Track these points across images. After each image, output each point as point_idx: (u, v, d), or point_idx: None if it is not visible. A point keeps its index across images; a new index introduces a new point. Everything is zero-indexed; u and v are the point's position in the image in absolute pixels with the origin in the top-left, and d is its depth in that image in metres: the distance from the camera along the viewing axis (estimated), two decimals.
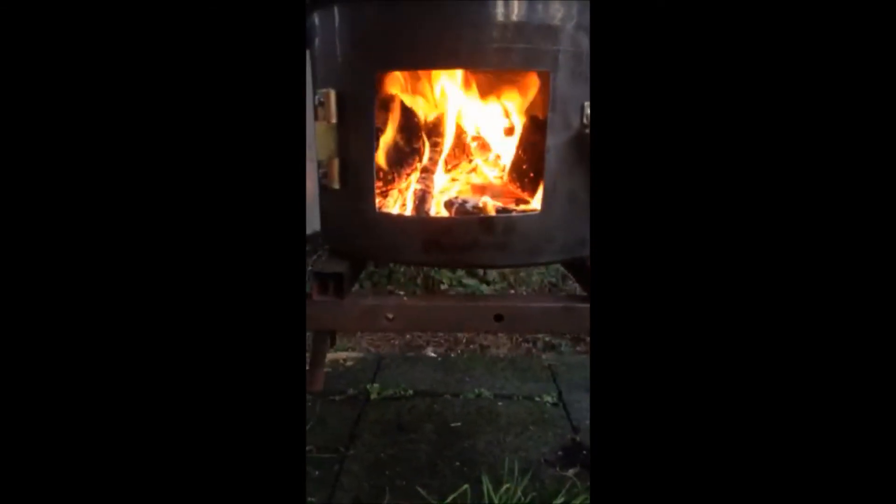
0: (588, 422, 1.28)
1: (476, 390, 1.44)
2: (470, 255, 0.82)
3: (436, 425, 1.29)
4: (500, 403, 1.39)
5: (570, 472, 1.10)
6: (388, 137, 0.94)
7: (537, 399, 1.40)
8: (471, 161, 1.03)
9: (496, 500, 0.91)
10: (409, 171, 0.95)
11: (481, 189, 0.97)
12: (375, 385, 1.46)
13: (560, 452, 1.18)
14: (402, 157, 0.95)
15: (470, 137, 1.01)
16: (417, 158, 0.96)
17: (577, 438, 1.23)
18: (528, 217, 0.83)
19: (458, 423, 1.29)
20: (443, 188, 0.97)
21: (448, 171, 1.00)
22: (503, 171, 1.00)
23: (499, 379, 1.52)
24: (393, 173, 0.93)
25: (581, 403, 1.38)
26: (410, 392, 1.43)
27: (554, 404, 1.38)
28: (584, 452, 1.17)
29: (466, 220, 0.82)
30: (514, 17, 0.76)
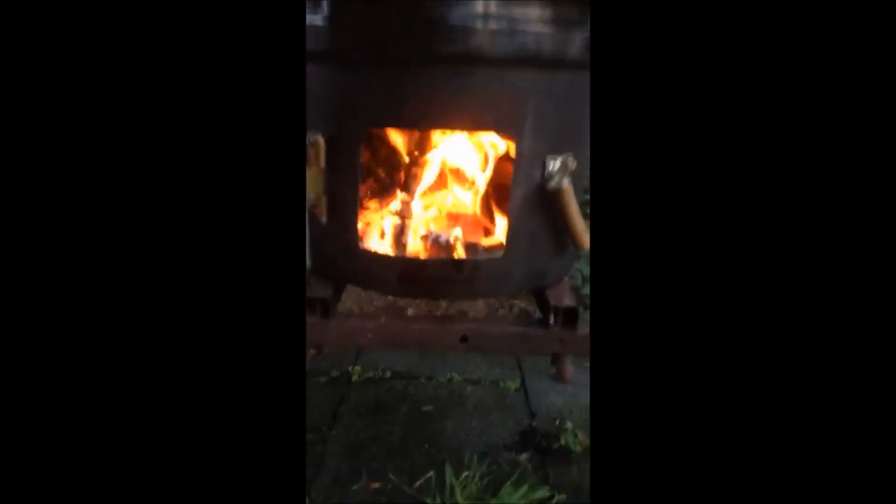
0: (544, 408, 1.45)
1: (448, 374, 1.60)
2: (441, 290, 0.96)
3: (409, 408, 1.45)
4: (468, 388, 1.55)
5: (524, 456, 1.28)
6: (371, 171, 1.05)
7: (502, 385, 1.57)
8: (446, 187, 1.15)
9: (457, 487, 1.09)
10: (389, 199, 1.07)
11: (455, 218, 1.10)
12: (357, 367, 1.61)
13: (517, 437, 1.35)
14: (384, 187, 1.06)
15: (447, 168, 1.12)
16: (397, 188, 1.07)
17: (534, 424, 1.41)
18: (493, 258, 0.96)
19: (430, 407, 1.45)
20: (420, 217, 1.09)
21: (424, 196, 1.12)
22: (476, 197, 1.12)
23: (469, 364, 1.68)
24: (375, 206, 1.04)
25: (540, 389, 1.54)
26: (388, 374, 1.59)
27: (517, 390, 1.55)
28: (538, 437, 1.35)
29: (438, 261, 0.95)
30: (488, 87, 0.86)
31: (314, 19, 0.90)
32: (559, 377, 1.51)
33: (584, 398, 1.47)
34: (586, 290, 1.90)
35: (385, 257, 0.97)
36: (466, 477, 1.13)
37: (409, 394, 1.51)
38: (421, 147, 1.07)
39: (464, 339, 0.98)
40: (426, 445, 1.31)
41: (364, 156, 1.00)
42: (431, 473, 1.15)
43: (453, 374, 1.59)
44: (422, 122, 0.91)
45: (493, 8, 0.80)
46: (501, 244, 0.98)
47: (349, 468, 1.22)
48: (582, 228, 0.96)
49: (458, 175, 1.14)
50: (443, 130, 0.99)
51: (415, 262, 0.96)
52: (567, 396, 1.50)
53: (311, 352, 1.09)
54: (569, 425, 1.38)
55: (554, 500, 1.13)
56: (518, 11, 0.81)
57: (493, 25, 0.81)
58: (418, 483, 1.14)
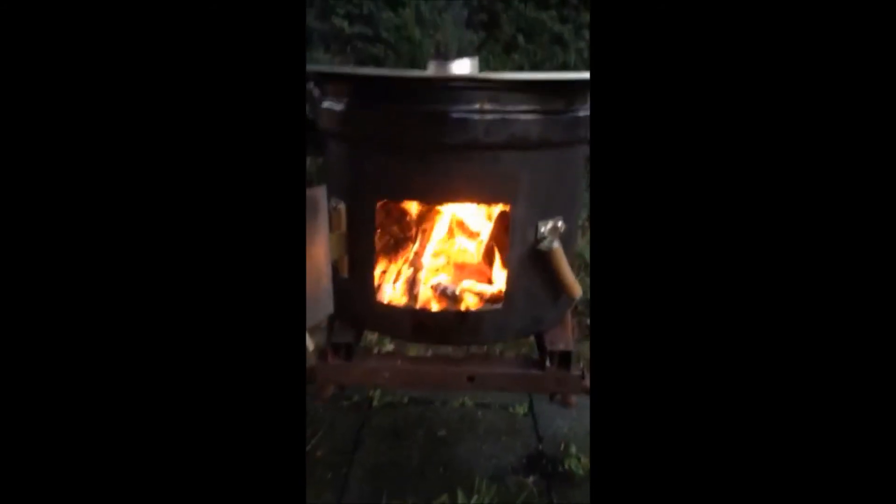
0: (550, 432, 1.59)
1: (461, 399, 1.74)
2: (448, 337, 1.11)
3: (426, 432, 1.59)
4: (479, 413, 1.69)
5: (531, 479, 1.41)
6: (386, 229, 1.21)
7: (511, 409, 1.70)
8: (453, 236, 1.30)
9: None
10: (402, 253, 1.22)
11: (461, 267, 1.24)
12: (377, 392, 1.76)
13: (524, 460, 1.49)
14: (398, 242, 1.21)
15: (454, 222, 1.27)
16: (410, 242, 1.22)
17: (541, 447, 1.54)
18: (493, 310, 1.10)
19: (444, 432, 1.59)
20: (429, 265, 1.24)
21: (434, 247, 1.27)
22: (479, 247, 1.26)
23: (479, 389, 1.81)
24: (390, 258, 1.20)
25: (546, 414, 1.67)
26: (406, 399, 1.73)
27: (525, 414, 1.69)
28: (544, 461, 1.48)
29: (445, 313, 1.10)
30: (485, 168, 1.00)
31: (336, 105, 1.06)
32: (565, 403, 1.64)
33: (589, 422, 1.60)
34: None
35: (399, 309, 1.13)
36: (477, 501, 1.27)
37: (426, 418, 1.65)
38: (430, 206, 1.23)
39: (470, 378, 1.13)
40: (441, 469, 1.45)
41: (379, 216, 1.16)
42: (445, 497, 1.29)
43: (465, 399, 1.73)
44: (428, 196, 1.06)
45: (487, 104, 0.95)
46: (502, 294, 1.12)
47: (372, 490, 1.37)
48: (573, 281, 1.10)
49: (464, 227, 1.29)
50: (446, 203, 1.15)
51: (425, 313, 1.11)
52: (572, 421, 1.63)
53: (333, 388, 1.24)
54: (573, 449, 1.51)
55: None
56: (510, 106, 0.95)
57: (488, 118, 0.96)
58: None
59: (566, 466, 1.46)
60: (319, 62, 2.39)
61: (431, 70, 1.30)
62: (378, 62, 2.54)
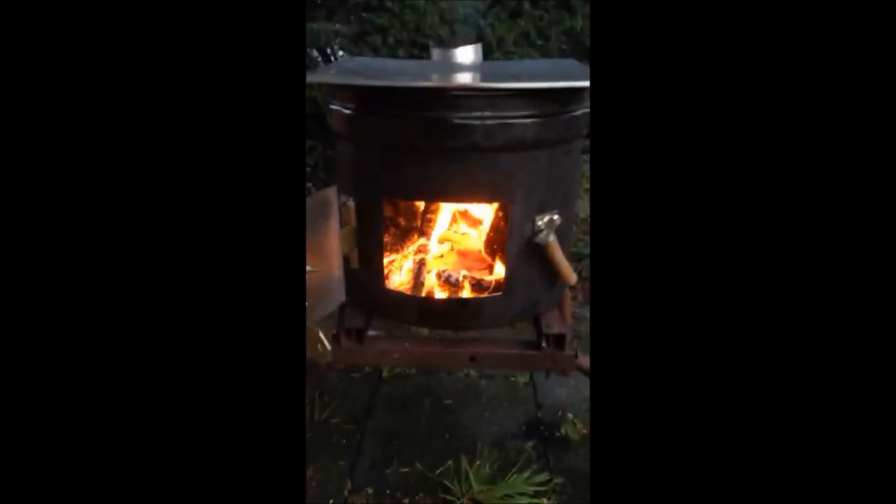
0: (550, 400, 1.71)
1: (466, 370, 1.86)
2: (451, 322, 1.22)
3: (432, 401, 1.72)
4: (483, 382, 1.82)
5: (529, 444, 1.55)
6: (393, 221, 1.30)
7: (513, 379, 1.83)
8: (456, 223, 1.39)
9: (471, 473, 1.37)
10: (409, 242, 1.31)
11: (464, 254, 1.34)
12: None
13: (524, 427, 1.62)
14: (404, 233, 1.31)
15: (457, 212, 1.35)
16: (415, 233, 1.31)
17: (539, 415, 1.67)
18: (493, 298, 1.20)
19: (450, 401, 1.72)
20: (434, 252, 1.33)
21: (440, 235, 1.36)
22: (480, 235, 1.35)
23: (480, 368, 1.93)
24: (397, 249, 1.29)
25: (546, 383, 1.80)
26: (414, 371, 1.86)
27: (525, 383, 1.81)
28: (542, 427, 1.61)
29: (449, 300, 1.20)
30: (484, 169, 1.08)
31: (344, 109, 1.14)
32: (563, 373, 1.76)
33: (586, 390, 1.72)
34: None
35: (406, 296, 1.23)
36: (479, 465, 1.41)
37: (432, 388, 1.78)
38: None
39: (472, 359, 1.24)
40: (446, 436, 1.59)
41: (387, 209, 1.24)
42: (450, 463, 1.43)
43: (470, 370, 1.86)
44: (431, 196, 1.14)
45: (487, 110, 1.02)
46: (501, 282, 1.22)
47: (383, 455, 1.51)
48: (567, 269, 1.20)
49: (467, 216, 1.37)
50: (448, 202, 1.23)
51: (430, 300, 1.21)
52: (570, 389, 1.76)
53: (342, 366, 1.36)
54: (570, 416, 1.64)
55: (553, 483, 1.40)
56: (508, 111, 1.02)
57: (487, 122, 1.03)
58: (440, 469, 1.42)
59: (563, 432, 1.59)
60: (324, 32, 2.41)
61: (435, 57, 1.36)
62: (382, 31, 2.56)
